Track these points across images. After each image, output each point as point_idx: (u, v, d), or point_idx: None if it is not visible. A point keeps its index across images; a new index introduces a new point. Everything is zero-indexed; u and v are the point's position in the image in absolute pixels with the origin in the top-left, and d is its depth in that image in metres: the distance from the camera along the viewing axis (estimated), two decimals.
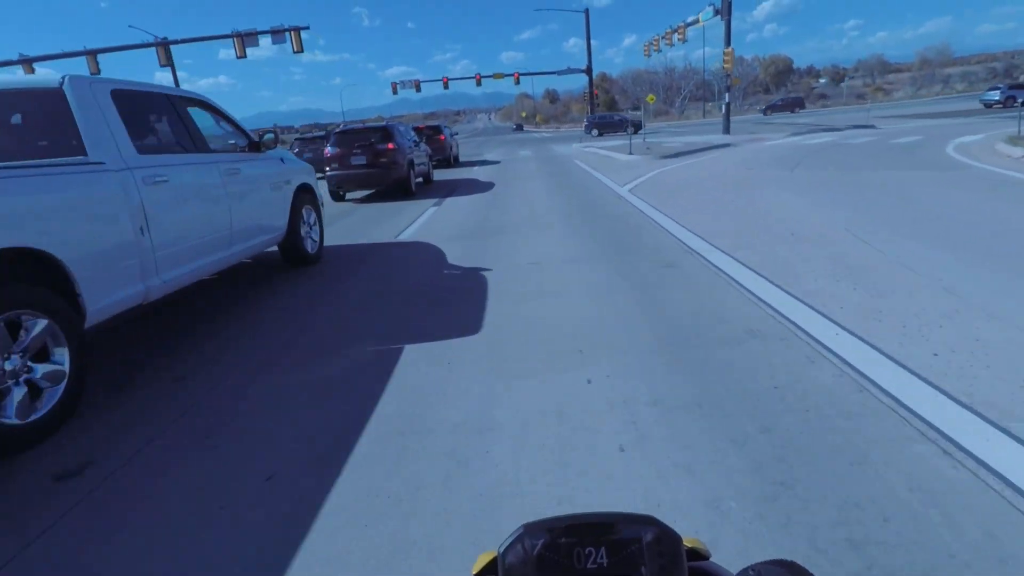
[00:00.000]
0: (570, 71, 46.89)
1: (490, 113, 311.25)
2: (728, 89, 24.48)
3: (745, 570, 0.48)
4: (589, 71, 46.93)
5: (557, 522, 0.51)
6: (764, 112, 54.91)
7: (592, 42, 46.95)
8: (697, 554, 0.56)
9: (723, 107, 24.77)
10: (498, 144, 35.93)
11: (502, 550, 0.51)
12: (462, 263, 6.24)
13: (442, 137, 20.36)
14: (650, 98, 46.37)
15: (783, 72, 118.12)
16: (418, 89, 45.36)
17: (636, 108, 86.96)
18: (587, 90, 49.09)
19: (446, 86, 43.98)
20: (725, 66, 24.15)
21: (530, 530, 0.51)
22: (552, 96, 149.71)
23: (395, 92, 45.98)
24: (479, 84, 43.89)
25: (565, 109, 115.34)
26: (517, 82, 45.46)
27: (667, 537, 0.50)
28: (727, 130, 23.68)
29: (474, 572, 0.55)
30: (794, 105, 56.34)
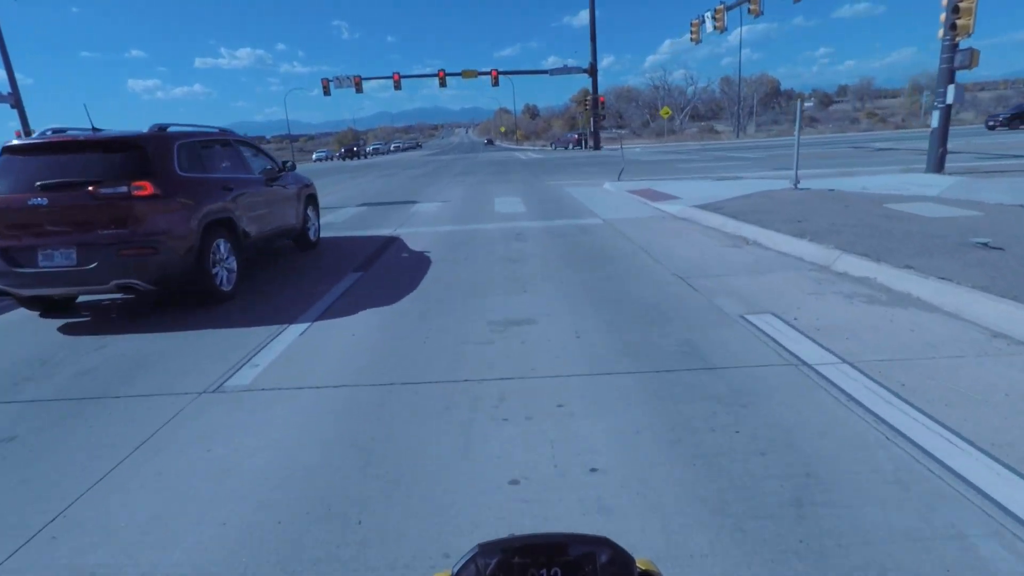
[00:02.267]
0: (568, 70, 39.89)
1: (468, 128, 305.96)
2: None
3: None
4: (593, 70, 39.72)
5: (511, 542, 0.52)
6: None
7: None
8: (647, 574, 0.56)
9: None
10: (463, 170, 28.24)
11: (456, 570, 0.51)
12: None
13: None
14: (665, 111, 40.11)
15: (771, 94, 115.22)
16: (359, 88, 38.22)
17: (620, 127, 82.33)
18: (580, 103, 42.22)
19: (397, 86, 37.05)
20: None
21: (484, 550, 0.51)
22: (532, 111, 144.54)
23: (327, 92, 38.80)
24: (443, 84, 37.02)
25: (546, 126, 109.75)
26: (495, 83, 38.70)
27: (620, 558, 0.51)
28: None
29: None
30: None
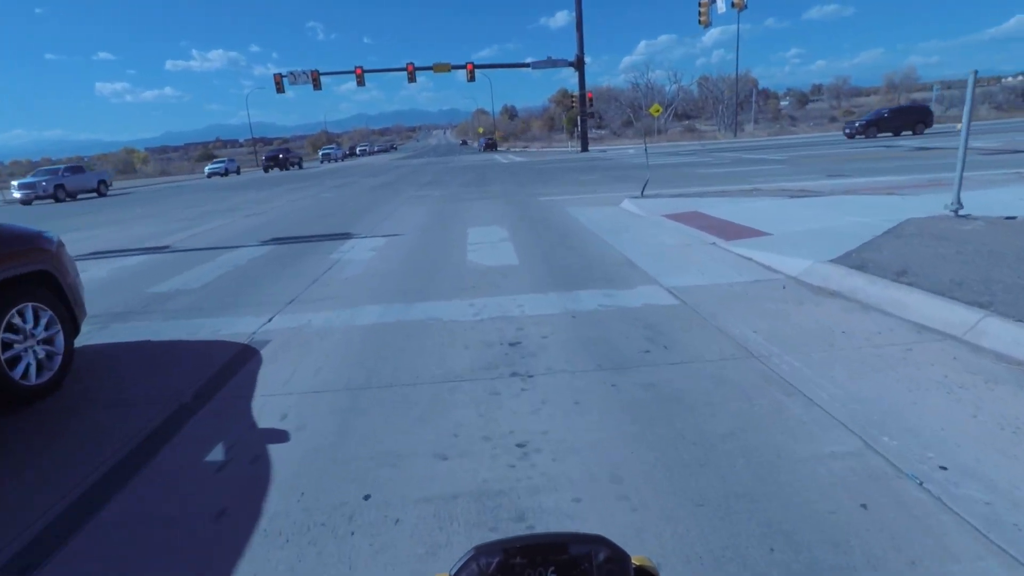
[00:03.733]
0: (552, 63, 35.35)
1: (446, 129, 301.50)
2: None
3: None
4: (580, 63, 35.09)
5: (509, 543, 0.52)
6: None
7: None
8: (645, 572, 0.56)
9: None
10: (433, 178, 23.43)
11: (454, 571, 0.51)
12: None
13: None
14: (655, 109, 35.74)
15: (749, 93, 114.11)
16: (317, 84, 33.50)
17: (600, 127, 78.53)
18: (559, 103, 37.77)
19: (360, 81, 32.54)
20: None
21: (482, 551, 0.51)
22: (511, 112, 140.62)
23: (280, 89, 34.01)
24: (412, 79, 32.58)
25: (525, 127, 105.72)
26: (471, 77, 34.22)
27: (616, 556, 0.51)
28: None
29: None
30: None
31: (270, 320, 4.76)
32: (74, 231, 12.49)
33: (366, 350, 3.93)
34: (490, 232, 8.45)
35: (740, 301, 4.47)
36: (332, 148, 72.65)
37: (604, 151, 38.06)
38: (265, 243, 8.91)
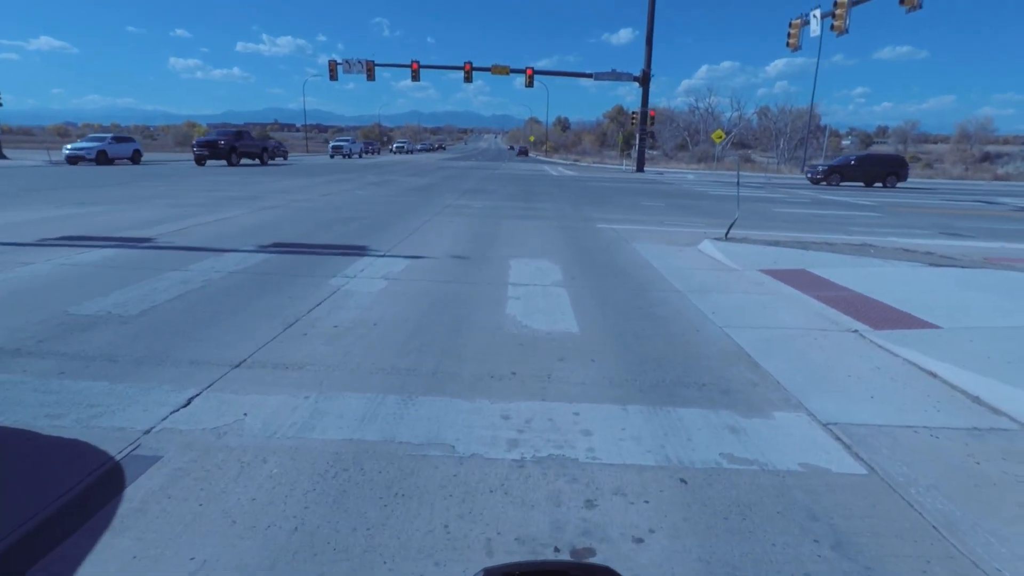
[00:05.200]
0: (616, 75, 33.28)
1: (497, 134, 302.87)
2: None
3: None
4: (646, 78, 32.86)
5: (516, 568, 0.52)
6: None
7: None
8: None
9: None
10: (476, 185, 21.89)
11: None
12: None
13: None
14: (718, 134, 33.57)
15: (811, 129, 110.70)
16: (371, 75, 32.31)
17: (653, 147, 76.08)
18: (613, 119, 35.89)
19: (416, 76, 31.17)
20: None
21: (490, 574, 0.51)
22: (564, 124, 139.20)
23: (334, 76, 32.94)
24: (469, 79, 31.04)
25: (576, 139, 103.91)
26: (530, 83, 32.54)
27: None
28: None
29: None
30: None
31: (188, 403, 3.00)
32: (87, 205, 11.18)
33: (313, 513, 2.11)
34: (539, 269, 6.59)
35: (978, 482, 2.49)
36: (346, 141, 50.65)
37: (661, 173, 35.91)
38: (262, 249, 7.26)
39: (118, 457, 2.54)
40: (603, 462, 2.59)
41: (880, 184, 27.44)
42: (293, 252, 7.20)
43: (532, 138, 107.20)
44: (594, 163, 56.00)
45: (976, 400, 3.41)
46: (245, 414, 2.91)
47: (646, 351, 4.04)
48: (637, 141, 35.19)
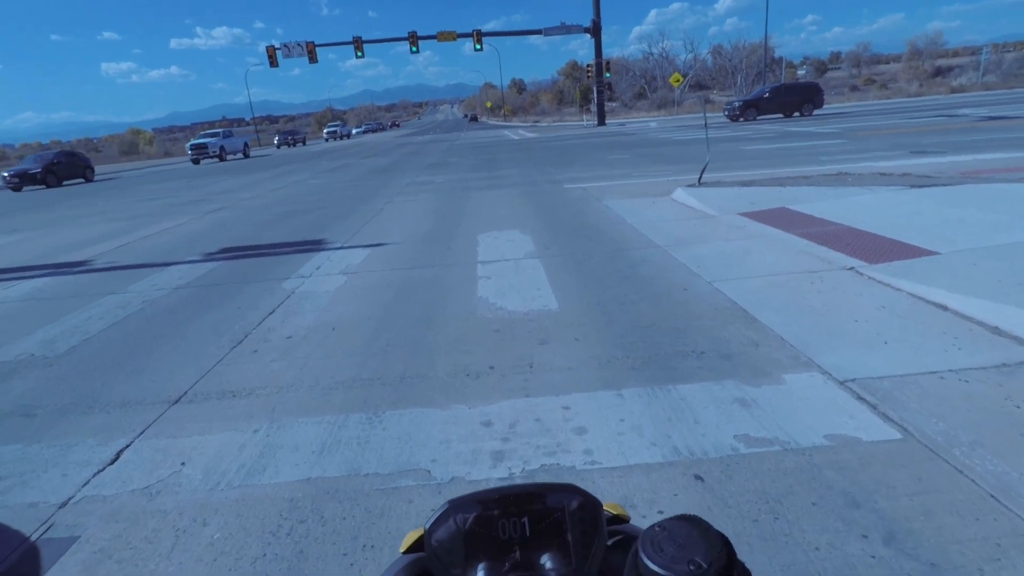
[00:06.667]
0: (566, 29, 32.18)
1: (453, 104, 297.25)
2: None
3: (652, 527, 0.43)
4: (596, 28, 31.85)
5: (483, 495, 0.51)
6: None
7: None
8: (617, 518, 0.56)
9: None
10: (439, 159, 21.04)
11: (428, 526, 0.49)
12: None
13: None
14: (675, 78, 32.95)
15: (767, 63, 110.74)
16: (312, 57, 30.93)
17: (612, 99, 75.16)
18: (568, 75, 35.07)
19: (359, 50, 29.85)
20: None
21: (456, 505, 0.50)
22: (519, 86, 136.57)
23: (273, 63, 31.51)
24: (415, 49, 29.78)
25: (533, 100, 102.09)
26: (479, 45, 31.37)
27: (588, 503, 0.50)
28: None
29: (402, 550, 0.53)
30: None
31: (116, 458, 2.55)
32: (21, 231, 10.36)
33: None
34: (509, 242, 6.17)
35: None
36: (211, 138, 33.38)
37: (623, 124, 35.29)
38: (210, 257, 6.69)
39: (33, 538, 2.11)
40: (604, 466, 2.23)
41: (797, 114, 27.11)
42: (245, 255, 6.65)
43: (489, 104, 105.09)
44: (554, 122, 55.01)
45: (996, 331, 3.12)
46: (183, 464, 2.48)
47: (633, 320, 3.67)
48: (595, 94, 34.41)
